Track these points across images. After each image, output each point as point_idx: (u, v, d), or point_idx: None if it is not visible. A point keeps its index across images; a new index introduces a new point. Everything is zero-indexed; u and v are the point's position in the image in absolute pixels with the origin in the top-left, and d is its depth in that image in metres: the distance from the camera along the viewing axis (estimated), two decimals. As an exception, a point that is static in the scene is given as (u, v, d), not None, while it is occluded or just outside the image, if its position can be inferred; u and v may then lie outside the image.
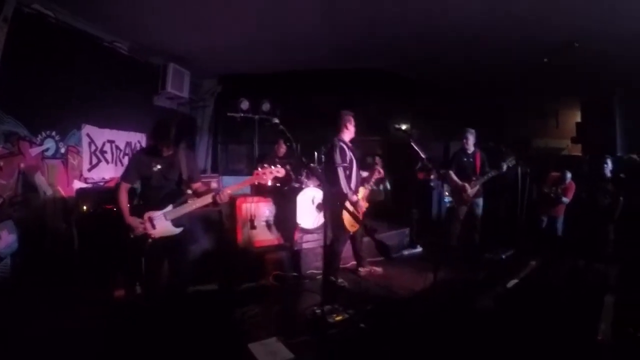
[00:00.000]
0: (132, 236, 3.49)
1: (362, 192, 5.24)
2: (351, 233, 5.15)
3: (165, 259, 3.66)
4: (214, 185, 6.68)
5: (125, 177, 3.61)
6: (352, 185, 4.96)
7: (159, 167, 3.54)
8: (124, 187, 3.56)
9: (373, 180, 5.41)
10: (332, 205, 4.74)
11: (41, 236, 4.88)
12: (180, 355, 3.25)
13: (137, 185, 3.70)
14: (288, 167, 6.62)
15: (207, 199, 3.53)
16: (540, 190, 7.00)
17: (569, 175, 6.70)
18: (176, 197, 3.63)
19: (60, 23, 5.20)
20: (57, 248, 4.89)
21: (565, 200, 6.66)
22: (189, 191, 3.83)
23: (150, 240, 3.50)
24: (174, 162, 3.59)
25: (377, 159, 5.18)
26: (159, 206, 3.54)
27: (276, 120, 3.63)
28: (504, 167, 6.18)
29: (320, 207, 6.15)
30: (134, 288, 3.86)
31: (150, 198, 3.59)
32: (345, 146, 4.96)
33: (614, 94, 8.33)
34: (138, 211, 3.52)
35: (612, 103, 8.35)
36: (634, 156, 6.84)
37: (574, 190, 6.64)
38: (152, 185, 3.57)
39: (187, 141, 8.43)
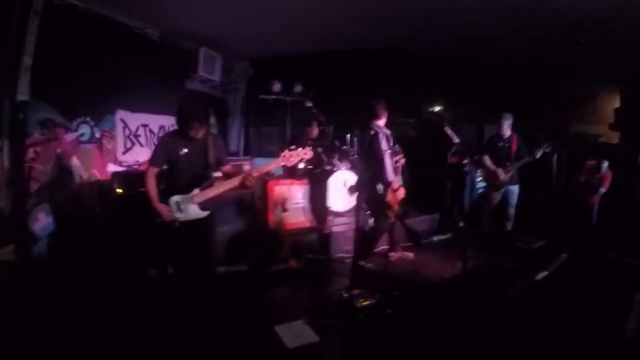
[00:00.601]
0: (159, 221, 3.54)
1: (399, 179, 5.18)
2: (392, 219, 5.11)
3: (194, 242, 3.68)
4: (246, 167, 6.71)
5: (153, 161, 3.63)
6: (391, 172, 4.89)
7: (185, 150, 3.54)
8: (152, 172, 3.58)
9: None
10: (372, 191, 4.72)
11: (77, 218, 5.02)
12: (208, 336, 3.31)
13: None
14: (320, 149, 6.61)
15: (234, 182, 3.54)
16: (577, 178, 6.75)
17: (605, 164, 6.46)
18: (203, 180, 3.63)
19: (89, 12, 5.30)
20: (93, 229, 5.03)
21: (602, 190, 6.43)
22: (219, 174, 3.84)
23: (177, 224, 3.54)
24: (201, 146, 3.59)
25: (398, 147, 5.06)
26: (186, 190, 3.56)
27: (310, 104, 3.58)
28: (538, 154, 5.95)
29: (352, 189, 6.12)
30: (166, 269, 3.93)
31: (177, 182, 3.60)
32: (388, 133, 4.91)
33: None
34: (165, 195, 3.56)
35: None
36: None
37: (610, 180, 6.39)
38: (179, 168, 3.58)
39: (217, 123, 8.52)
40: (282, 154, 3.57)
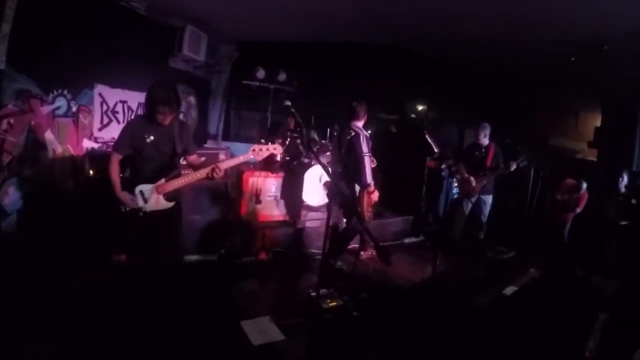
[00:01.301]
0: (123, 210, 3.41)
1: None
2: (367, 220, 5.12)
3: (159, 232, 3.53)
4: (221, 157, 6.64)
5: (117, 147, 3.42)
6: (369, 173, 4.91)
7: (152, 138, 3.37)
8: (116, 158, 3.39)
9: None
10: (348, 193, 4.74)
11: (49, 194, 4.92)
12: (173, 328, 3.30)
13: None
14: (298, 141, 6.59)
15: (202, 174, 3.42)
16: (554, 196, 6.90)
17: (584, 185, 6.58)
18: (169, 170, 3.49)
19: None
20: (65, 206, 4.93)
21: (578, 210, 6.59)
22: (184, 163, 3.74)
23: (141, 214, 3.40)
24: (169, 133, 3.44)
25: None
26: (151, 179, 3.42)
27: (288, 103, 3.50)
28: (513, 167, 6.07)
29: (327, 185, 6.13)
30: (133, 256, 3.86)
31: (142, 170, 3.44)
32: (367, 135, 4.89)
33: (637, 101, 8.00)
34: (130, 184, 3.41)
35: (636, 112, 8.02)
36: None
37: (586, 200, 6.55)
38: (144, 157, 3.40)
39: (198, 104, 8.40)
40: (252, 147, 3.50)
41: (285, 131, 6.64)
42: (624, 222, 5.87)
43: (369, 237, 3.01)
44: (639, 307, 3.90)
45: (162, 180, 3.43)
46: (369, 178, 4.68)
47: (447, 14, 5.85)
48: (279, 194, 6.00)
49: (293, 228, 5.83)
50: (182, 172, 3.61)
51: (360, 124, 4.92)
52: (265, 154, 3.52)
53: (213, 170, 3.39)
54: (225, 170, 3.52)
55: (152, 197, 3.41)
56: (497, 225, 6.76)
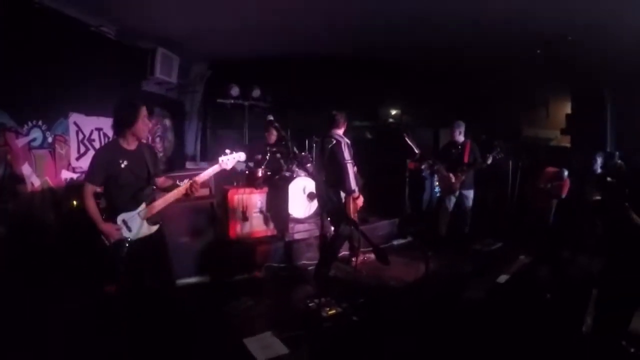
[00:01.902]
0: (107, 244, 3.22)
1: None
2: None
3: (148, 258, 3.41)
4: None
5: (91, 178, 3.22)
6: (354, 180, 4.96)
7: (126, 162, 3.23)
8: (91, 191, 3.21)
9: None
10: (335, 201, 4.80)
11: (29, 228, 4.79)
12: (177, 352, 3.26)
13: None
14: (279, 155, 6.60)
15: (181, 192, 3.37)
16: (536, 185, 7.07)
17: (566, 172, 6.77)
18: (147, 194, 3.38)
19: (44, 8, 5.00)
20: (46, 240, 4.81)
21: (562, 196, 6.77)
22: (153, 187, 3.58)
23: (127, 244, 3.25)
24: (140, 157, 3.35)
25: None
26: (131, 206, 3.29)
27: (271, 118, 3.53)
28: (489, 160, 6.28)
29: (311, 196, 6.16)
30: (123, 285, 3.76)
31: (119, 198, 3.28)
32: (349, 142, 4.95)
33: (605, 87, 8.31)
34: (109, 214, 3.27)
35: (604, 96, 8.32)
36: (619, 162, 6.92)
37: (568, 187, 6.74)
38: (120, 184, 3.24)
39: (174, 126, 8.34)
40: (219, 159, 3.52)
41: (264, 147, 6.64)
42: (597, 197, 6.04)
43: (365, 239, 3.05)
44: (625, 282, 3.99)
45: (143, 206, 3.33)
46: (353, 184, 4.73)
47: (407, 19, 5.98)
48: (264, 209, 5.98)
49: (282, 242, 5.82)
50: (158, 195, 3.51)
51: (340, 131, 5.00)
52: (232, 162, 3.55)
53: (191, 185, 3.35)
54: (210, 189, 3.49)
55: (135, 225, 3.29)
56: (481, 218, 6.91)
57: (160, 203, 3.40)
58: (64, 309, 3.89)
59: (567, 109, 9.33)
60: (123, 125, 3.24)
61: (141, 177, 3.36)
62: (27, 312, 3.74)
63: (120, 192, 3.26)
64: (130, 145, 3.30)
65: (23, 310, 3.76)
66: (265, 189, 6.08)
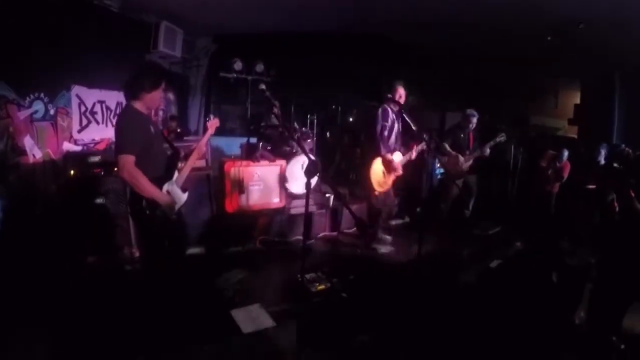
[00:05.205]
0: (157, 214, 2.97)
1: (399, 157, 5.43)
2: (377, 194, 5.36)
3: (179, 229, 3.38)
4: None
5: (130, 148, 2.82)
6: (391, 144, 5.29)
7: (152, 129, 3.07)
8: (132, 161, 2.82)
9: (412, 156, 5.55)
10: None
11: (31, 199, 4.90)
12: (164, 321, 3.33)
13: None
14: (280, 129, 6.60)
15: (197, 154, 3.46)
16: (538, 165, 7.03)
17: (565, 153, 6.73)
18: (175, 159, 3.28)
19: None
20: (48, 211, 4.91)
21: (563, 178, 6.74)
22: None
23: (174, 215, 3.14)
24: (156, 123, 3.45)
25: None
26: (169, 175, 3.15)
27: (263, 87, 3.51)
28: (491, 144, 6.18)
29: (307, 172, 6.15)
30: (115, 254, 3.80)
31: (157, 167, 3.06)
32: (389, 109, 5.28)
33: (615, 78, 8.16)
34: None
35: (613, 88, 8.18)
36: (627, 149, 6.81)
37: (569, 170, 6.70)
38: (155, 151, 3.04)
39: (178, 101, 8.37)
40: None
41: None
42: (591, 186, 5.99)
43: (350, 213, 3.08)
44: (620, 277, 3.99)
45: (176, 172, 3.24)
46: (380, 147, 5.17)
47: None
48: (261, 182, 5.96)
49: (279, 216, 5.89)
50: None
51: (389, 102, 5.32)
52: (216, 123, 3.77)
53: (199, 147, 3.51)
54: (207, 160, 3.53)
55: (177, 193, 3.19)
56: (482, 203, 6.89)
57: (186, 170, 3.35)
58: (55, 280, 3.98)
59: (576, 99, 9.21)
60: (142, 88, 2.99)
61: (164, 143, 3.34)
62: (28, 282, 3.86)
63: (156, 161, 3.08)
64: (145, 111, 3.09)
65: (24, 281, 3.87)
66: (263, 162, 5.99)
